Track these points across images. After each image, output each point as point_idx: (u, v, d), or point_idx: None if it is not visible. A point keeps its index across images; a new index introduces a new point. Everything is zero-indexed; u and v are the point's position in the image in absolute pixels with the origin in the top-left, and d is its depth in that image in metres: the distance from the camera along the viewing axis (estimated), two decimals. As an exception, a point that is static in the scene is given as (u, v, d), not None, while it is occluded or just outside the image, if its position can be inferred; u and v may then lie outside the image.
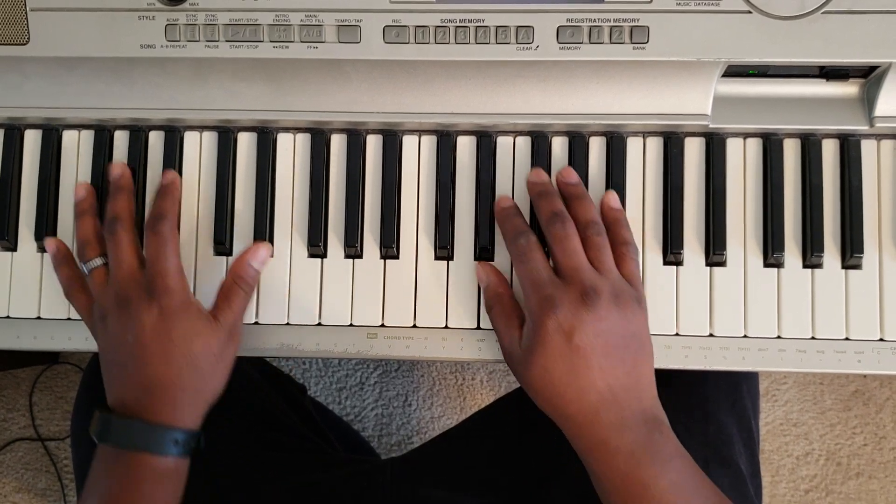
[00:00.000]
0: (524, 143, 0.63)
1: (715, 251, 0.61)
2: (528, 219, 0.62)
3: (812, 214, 0.61)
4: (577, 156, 0.63)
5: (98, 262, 0.60)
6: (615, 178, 0.62)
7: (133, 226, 0.61)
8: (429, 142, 0.64)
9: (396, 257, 0.63)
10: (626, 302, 0.56)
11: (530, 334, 0.56)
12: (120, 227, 0.59)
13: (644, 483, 0.53)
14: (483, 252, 0.62)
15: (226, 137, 0.64)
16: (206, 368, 0.58)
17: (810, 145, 0.62)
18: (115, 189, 0.62)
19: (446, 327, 0.62)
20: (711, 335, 0.62)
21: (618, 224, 0.60)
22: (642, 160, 0.63)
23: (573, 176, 0.62)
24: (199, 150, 0.64)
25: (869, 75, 0.61)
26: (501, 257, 0.62)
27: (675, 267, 0.62)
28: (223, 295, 0.60)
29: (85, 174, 0.64)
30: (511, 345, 0.58)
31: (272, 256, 0.63)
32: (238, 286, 0.60)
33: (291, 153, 0.64)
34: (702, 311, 0.62)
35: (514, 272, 0.60)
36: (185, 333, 0.57)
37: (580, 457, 0.56)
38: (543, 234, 0.59)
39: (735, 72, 0.60)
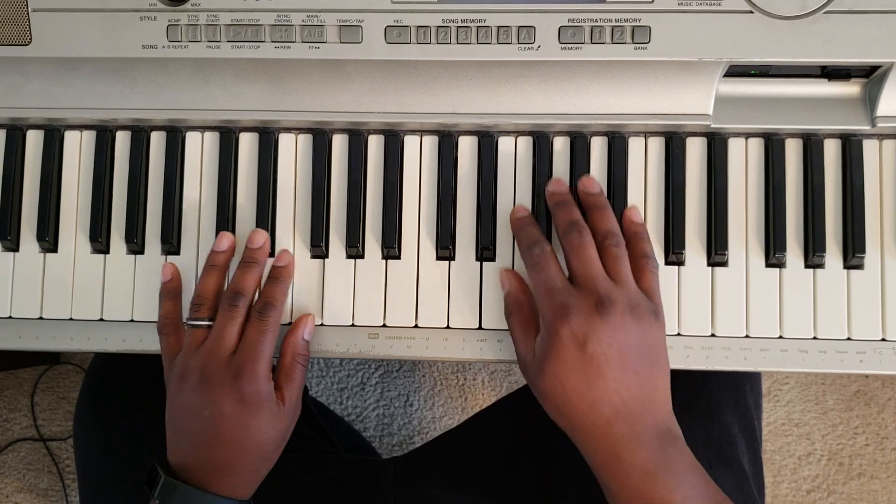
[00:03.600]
0: (526, 143, 0.63)
1: (717, 251, 0.61)
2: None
3: (814, 214, 0.61)
4: (579, 156, 0.63)
5: (205, 323, 0.60)
6: (617, 178, 0.62)
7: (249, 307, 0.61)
8: (430, 142, 0.64)
9: (398, 257, 0.63)
10: (643, 313, 0.55)
11: (544, 342, 0.56)
12: (241, 304, 0.60)
13: (658, 499, 0.52)
14: (484, 252, 0.62)
15: (227, 138, 0.64)
16: (272, 454, 0.61)
17: (812, 145, 0.62)
18: (253, 264, 0.62)
19: (448, 327, 0.62)
20: (713, 335, 0.62)
21: (639, 237, 0.60)
22: (644, 160, 0.63)
23: (594, 186, 0.61)
24: (200, 151, 0.64)
25: (871, 75, 0.61)
26: (503, 257, 0.62)
27: (676, 267, 0.62)
28: (285, 374, 0.61)
29: (87, 174, 0.64)
30: (526, 352, 0.58)
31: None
32: (297, 362, 0.61)
33: (293, 153, 0.64)
34: (704, 311, 0.62)
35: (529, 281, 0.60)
36: (260, 426, 0.58)
37: (592, 470, 0.56)
38: (560, 243, 0.59)
39: (737, 72, 0.60)
